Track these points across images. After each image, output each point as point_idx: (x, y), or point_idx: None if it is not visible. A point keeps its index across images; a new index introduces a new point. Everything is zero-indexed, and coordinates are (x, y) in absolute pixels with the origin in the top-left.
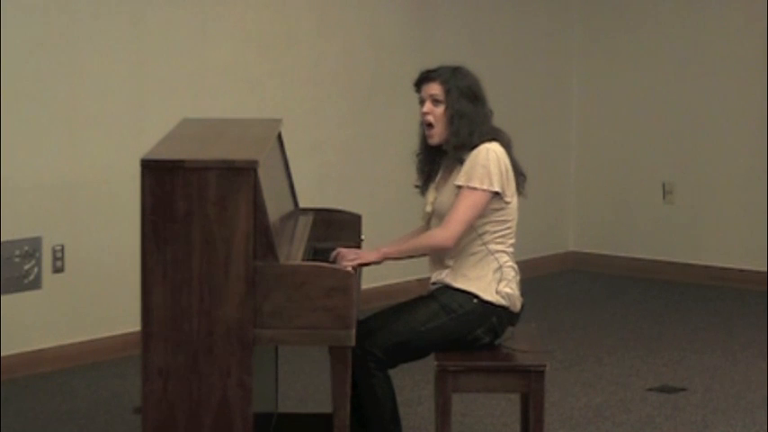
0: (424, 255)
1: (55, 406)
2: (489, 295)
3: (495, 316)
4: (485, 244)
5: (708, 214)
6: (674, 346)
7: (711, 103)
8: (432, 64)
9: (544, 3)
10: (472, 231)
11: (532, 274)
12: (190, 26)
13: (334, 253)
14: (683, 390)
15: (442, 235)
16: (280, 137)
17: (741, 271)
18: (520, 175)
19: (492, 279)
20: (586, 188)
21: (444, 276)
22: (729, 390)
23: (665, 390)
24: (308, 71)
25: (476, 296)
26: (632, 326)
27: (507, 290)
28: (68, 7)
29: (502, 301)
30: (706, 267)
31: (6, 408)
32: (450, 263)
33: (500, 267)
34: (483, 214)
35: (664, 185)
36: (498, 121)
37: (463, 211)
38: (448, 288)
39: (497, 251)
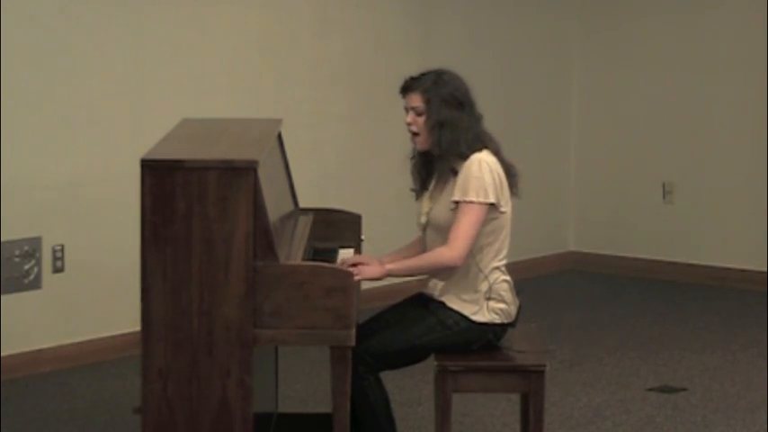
0: (429, 273)
1: (55, 406)
2: (482, 316)
3: (490, 333)
4: (478, 264)
5: (708, 214)
6: (674, 346)
7: (711, 103)
8: (432, 64)
9: (544, 3)
10: (469, 256)
11: (532, 274)
12: (190, 26)
13: (339, 260)
14: (683, 390)
15: (450, 254)
16: (280, 137)
17: (741, 271)
18: (513, 176)
19: (485, 300)
20: (586, 188)
21: (439, 293)
22: (729, 390)
23: (665, 390)
24: (308, 71)
25: (470, 318)
26: (632, 326)
27: (501, 305)
28: (68, 7)
29: (496, 319)
30: (706, 267)
31: (6, 408)
32: (445, 282)
33: (492, 286)
34: None
35: (664, 185)
36: (498, 121)
37: (467, 227)
38: (444, 305)
39: (491, 269)
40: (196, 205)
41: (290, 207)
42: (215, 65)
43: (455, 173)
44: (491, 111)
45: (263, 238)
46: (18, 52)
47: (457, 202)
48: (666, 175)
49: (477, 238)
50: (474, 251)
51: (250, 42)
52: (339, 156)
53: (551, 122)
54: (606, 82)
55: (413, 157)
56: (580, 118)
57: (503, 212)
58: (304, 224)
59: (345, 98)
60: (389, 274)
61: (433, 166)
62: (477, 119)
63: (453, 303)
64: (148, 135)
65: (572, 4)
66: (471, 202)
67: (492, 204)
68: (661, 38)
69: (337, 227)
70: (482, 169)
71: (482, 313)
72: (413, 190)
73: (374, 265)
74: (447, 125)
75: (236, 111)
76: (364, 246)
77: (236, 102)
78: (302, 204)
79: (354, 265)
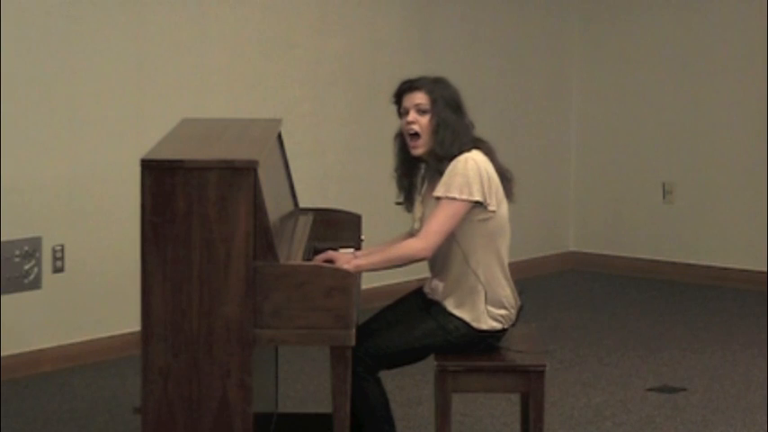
0: (401, 265)
1: (55, 406)
2: (484, 324)
3: (491, 338)
4: (475, 270)
5: (708, 214)
6: (674, 346)
7: (711, 103)
8: (432, 64)
9: (544, 3)
10: (463, 260)
11: (532, 274)
12: (190, 26)
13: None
14: (683, 390)
15: (419, 245)
16: (280, 137)
17: (741, 271)
18: (508, 181)
19: (485, 306)
20: (586, 188)
21: (441, 296)
22: (729, 390)
23: (665, 390)
24: (308, 71)
25: (471, 325)
26: (632, 326)
27: (502, 311)
28: (68, 7)
29: (497, 326)
30: (706, 267)
31: (6, 408)
32: (446, 284)
33: (492, 292)
34: (470, 229)
35: (664, 185)
36: (498, 121)
37: (441, 221)
38: (445, 309)
39: (492, 274)
40: (196, 205)
41: (290, 207)
42: (215, 65)
43: (442, 174)
44: (491, 111)
45: (263, 238)
46: (18, 52)
47: (439, 198)
48: (666, 175)
49: (470, 245)
50: (467, 255)
51: (250, 42)
52: (339, 156)
53: (551, 122)
54: (606, 82)
55: (397, 169)
56: (580, 118)
57: (493, 211)
58: (304, 224)
59: (345, 98)
60: (359, 270)
61: (417, 174)
62: (469, 126)
63: (454, 309)
64: (148, 135)
65: (572, 4)
66: (453, 199)
67: (478, 203)
68: (661, 37)
69: (337, 227)
70: (467, 166)
71: (483, 321)
72: (399, 203)
73: (342, 260)
74: (449, 126)
75: (237, 111)
76: (364, 246)
77: (236, 102)
78: (302, 204)
79: (328, 261)
